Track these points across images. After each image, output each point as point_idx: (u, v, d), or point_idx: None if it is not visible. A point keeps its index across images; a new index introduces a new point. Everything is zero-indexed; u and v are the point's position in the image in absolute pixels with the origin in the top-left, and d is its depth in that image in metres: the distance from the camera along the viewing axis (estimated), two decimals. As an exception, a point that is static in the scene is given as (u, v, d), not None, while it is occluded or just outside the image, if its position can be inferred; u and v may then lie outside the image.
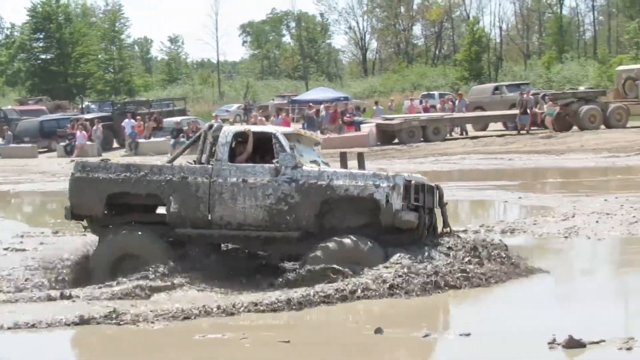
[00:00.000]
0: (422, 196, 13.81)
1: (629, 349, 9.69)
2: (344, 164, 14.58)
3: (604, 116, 41.73)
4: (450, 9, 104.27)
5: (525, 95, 43.33)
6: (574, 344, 9.80)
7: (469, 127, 45.27)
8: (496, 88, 51.89)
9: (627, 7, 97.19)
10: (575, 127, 41.75)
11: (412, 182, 13.67)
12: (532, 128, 43.07)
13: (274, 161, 13.80)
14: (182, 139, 43.41)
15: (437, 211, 14.35)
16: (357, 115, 48.05)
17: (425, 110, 48.98)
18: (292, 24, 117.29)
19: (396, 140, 41.08)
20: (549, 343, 9.89)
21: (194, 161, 14.69)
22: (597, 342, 9.88)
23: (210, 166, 14.02)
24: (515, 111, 43.88)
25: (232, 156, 14.08)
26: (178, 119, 51.08)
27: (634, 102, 43.11)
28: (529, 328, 10.72)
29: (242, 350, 10.48)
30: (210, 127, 14.77)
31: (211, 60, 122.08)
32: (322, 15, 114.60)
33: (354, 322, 11.66)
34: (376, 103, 52.37)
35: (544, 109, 42.55)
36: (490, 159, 32.81)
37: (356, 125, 44.12)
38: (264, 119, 45.10)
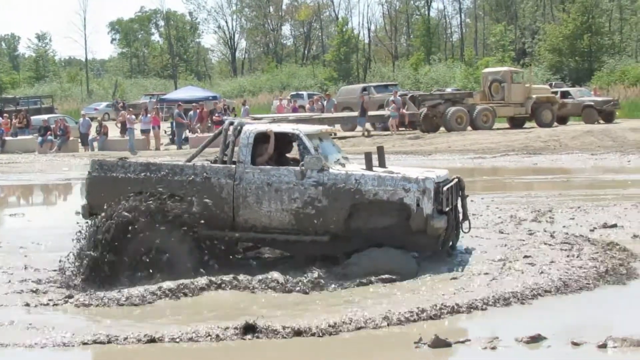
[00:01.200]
0: (451, 198, 13.67)
1: (493, 348, 9.64)
2: (369, 164, 13.69)
3: (470, 118, 42.28)
4: (319, 9, 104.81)
5: (393, 97, 43.65)
6: (439, 343, 9.69)
7: (337, 127, 45.26)
8: (364, 89, 52.08)
9: (493, 10, 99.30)
10: (442, 128, 42.18)
11: (441, 184, 13.38)
12: (400, 129, 43.39)
13: (300, 164, 13.40)
14: (49, 137, 42.53)
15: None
16: (227, 114, 47.52)
17: (294, 110, 48.82)
18: (161, 23, 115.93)
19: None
20: (415, 342, 9.75)
21: (215, 160, 14.20)
22: (463, 342, 9.82)
23: (233, 167, 13.58)
24: (385, 112, 44.17)
25: (253, 156, 13.64)
26: (46, 116, 50.26)
27: (500, 104, 43.78)
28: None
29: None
30: (231, 124, 14.28)
31: (79, 58, 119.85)
32: (191, 14, 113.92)
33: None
34: (244, 103, 51.93)
35: (409, 110, 42.95)
36: (358, 159, 32.68)
37: (224, 125, 43.56)
38: (134, 117, 44.39)
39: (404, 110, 43.32)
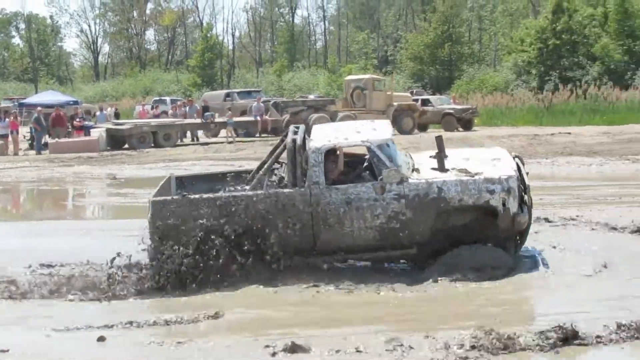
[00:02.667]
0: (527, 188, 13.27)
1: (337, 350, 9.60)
2: (441, 165, 13.35)
3: (332, 124, 42.58)
4: (184, 15, 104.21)
5: (255, 103, 43.79)
6: (295, 349, 9.57)
7: (200, 133, 45.11)
8: (227, 95, 52.04)
9: (356, 18, 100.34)
10: (305, 135, 42.39)
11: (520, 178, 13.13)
12: (262, 135, 43.50)
13: (379, 178, 12.81)
14: None
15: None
16: (88, 119, 46.80)
17: (157, 115, 48.39)
18: (22, 25, 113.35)
19: (126, 146, 40.32)
20: (266, 347, 9.71)
21: (278, 180, 13.59)
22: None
23: (307, 190, 12.80)
24: (248, 118, 44.25)
25: (325, 175, 12.97)
26: None
27: (362, 111, 44.26)
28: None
29: None
30: (294, 141, 13.10)
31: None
32: (52, 17, 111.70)
33: None
34: (101, 109, 51.10)
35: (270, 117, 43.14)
36: (220, 165, 32.60)
37: (86, 130, 42.90)
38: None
39: (267, 117, 43.43)
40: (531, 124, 47.64)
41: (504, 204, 12.83)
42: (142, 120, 45.29)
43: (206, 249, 12.52)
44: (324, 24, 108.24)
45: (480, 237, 13.10)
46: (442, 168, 13.34)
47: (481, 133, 42.80)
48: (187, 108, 47.80)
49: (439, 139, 14.01)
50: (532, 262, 13.43)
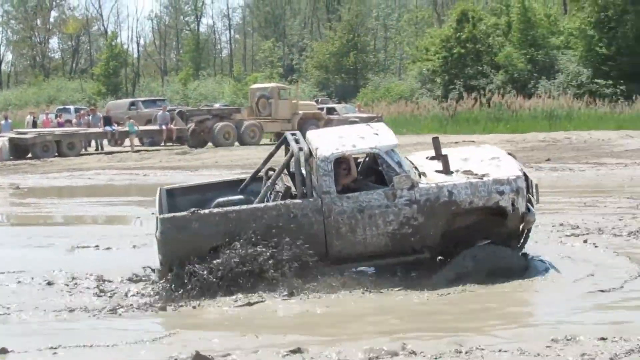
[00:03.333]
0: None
1: None
2: (446, 168, 13.26)
3: (238, 133, 42.75)
4: (88, 23, 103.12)
5: (161, 112, 43.70)
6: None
7: (105, 142, 44.80)
8: (132, 103, 51.76)
9: (262, 27, 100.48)
10: (210, 144, 42.46)
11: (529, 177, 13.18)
12: (167, 144, 43.44)
13: (390, 185, 12.66)
14: None
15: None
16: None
17: (60, 124, 47.85)
18: None
19: (30, 155, 39.86)
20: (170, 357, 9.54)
21: (284, 191, 13.12)
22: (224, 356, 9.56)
23: (319, 200, 12.60)
24: (153, 127, 44.13)
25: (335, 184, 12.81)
26: None
27: (267, 119, 44.46)
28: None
29: None
30: (301, 150, 12.89)
31: None
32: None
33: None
34: (6, 118, 50.29)
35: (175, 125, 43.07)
36: (125, 174, 32.45)
37: (-12, 139, 42.26)
38: None
39: (172, 126, 43.36)
40: (436, 132, 48.06)
41: (513, 204, 12.94)
42: (46, 129, 44.78)
43: (220, 263, 12.24)
44: (230, 32, 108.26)
45: (485, 237, 13.24)
46: (447, 170, 13.34)
47: (386, 141, 43.40)
48: (91, 117, 47.34)
49: (436, 141, 14.13)
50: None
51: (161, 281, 12.59)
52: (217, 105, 54.48)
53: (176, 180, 29.91)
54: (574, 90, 55.59)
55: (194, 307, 11.82)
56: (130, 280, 13.38)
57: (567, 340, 9.56)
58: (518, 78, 61.84)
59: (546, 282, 12.68)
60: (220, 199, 13.65)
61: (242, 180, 14.70)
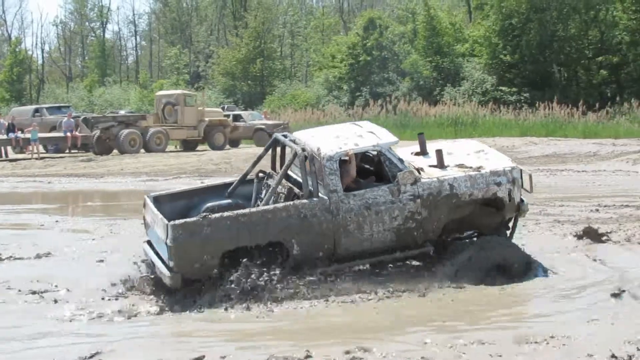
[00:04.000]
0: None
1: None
2: (440, 162, 13.68)
3: (144, 140, 42.41)
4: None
5: (67, 118, 43.17)
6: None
7: (9, 149, 44.06)
8: (37, 110, 51.00)
9: (168, 34, 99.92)
10: (115, 151, 42.07)
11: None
12: (72, 151, 42.93)
13: (395, 181, 12.91)
14: None
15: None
16: None
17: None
18: None
19: None
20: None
21: (287, 192, 13.27)
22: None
23: (326, 199, 12.63)
24: (58, 134, 43.58)
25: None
26: None
27: (173, 126, 44.23)
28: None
29: None
30: (303, 150, 12.99)
31: None
32: None
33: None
34: None
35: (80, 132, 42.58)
36: (29, 181, 32.00)
37: None
38: None
39: (77, 133, 42.83)
40: (342, 139, 48.50)
41: (509, 195, 13.39)
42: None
43: (234, 267, 12.25)
44: (135, 38, 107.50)
45: (478, 227, 13.74)
46: (442, 165, 13.68)
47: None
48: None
49: (421, 137, 14.52)
50: None
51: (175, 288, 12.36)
52: (122, 112, 53.93)
53: (81, 188, 29.67)
54: (479, 98, 56.43)
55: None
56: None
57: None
58: (424, 85, 62.61)
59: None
60: (210, 204, 13.80)
61: (226, 185, 14.66)
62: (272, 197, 13.19)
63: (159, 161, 37.26)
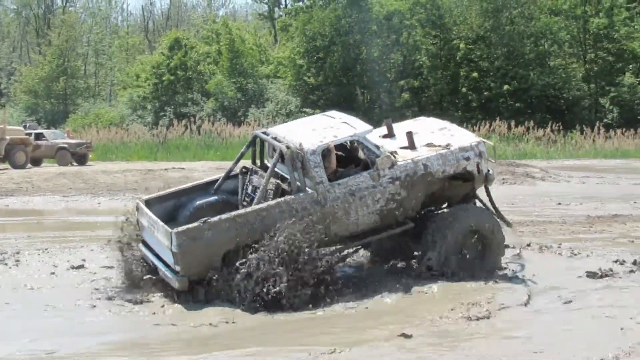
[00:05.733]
0: None
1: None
2: (411, 143, 14.41)
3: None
4: None
5: None
6: None
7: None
8: None
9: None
10: None
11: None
12: None
13: (374, 166, 13.64)
14: None
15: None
16: None
17: None
18: None
19: None
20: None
21: (275, 188, 13.75)
22: None
23: (313, 192, 13.31)
24: None
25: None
26: None
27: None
28: None
29: None
30: (288, 147, 13.44)
31: None
32: None
33: None
34: None
35: None
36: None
37: None
38: None
39: None
40: (146, 159, 48.25)
41: (478, 167, 14.34)
42: None
43: (238, 266, 12.77)
44: None
45: (450, 199, 14.81)
46: (412, 146, 14.39)
47: (96, 168, 42.84)
48: None
49: (388, 121, 15.36)
50: None
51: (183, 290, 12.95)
52: None
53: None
54: (283, 119, 57.21)
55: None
56: None
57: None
58: (228, 106, 63.01)
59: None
60: (199, 202, 14.64)
61: (210, 183, 15.20)
62: (265, 195, 13.80)
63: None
